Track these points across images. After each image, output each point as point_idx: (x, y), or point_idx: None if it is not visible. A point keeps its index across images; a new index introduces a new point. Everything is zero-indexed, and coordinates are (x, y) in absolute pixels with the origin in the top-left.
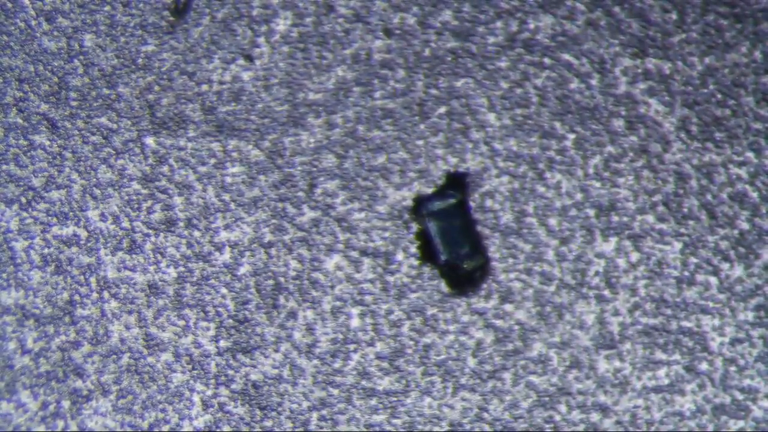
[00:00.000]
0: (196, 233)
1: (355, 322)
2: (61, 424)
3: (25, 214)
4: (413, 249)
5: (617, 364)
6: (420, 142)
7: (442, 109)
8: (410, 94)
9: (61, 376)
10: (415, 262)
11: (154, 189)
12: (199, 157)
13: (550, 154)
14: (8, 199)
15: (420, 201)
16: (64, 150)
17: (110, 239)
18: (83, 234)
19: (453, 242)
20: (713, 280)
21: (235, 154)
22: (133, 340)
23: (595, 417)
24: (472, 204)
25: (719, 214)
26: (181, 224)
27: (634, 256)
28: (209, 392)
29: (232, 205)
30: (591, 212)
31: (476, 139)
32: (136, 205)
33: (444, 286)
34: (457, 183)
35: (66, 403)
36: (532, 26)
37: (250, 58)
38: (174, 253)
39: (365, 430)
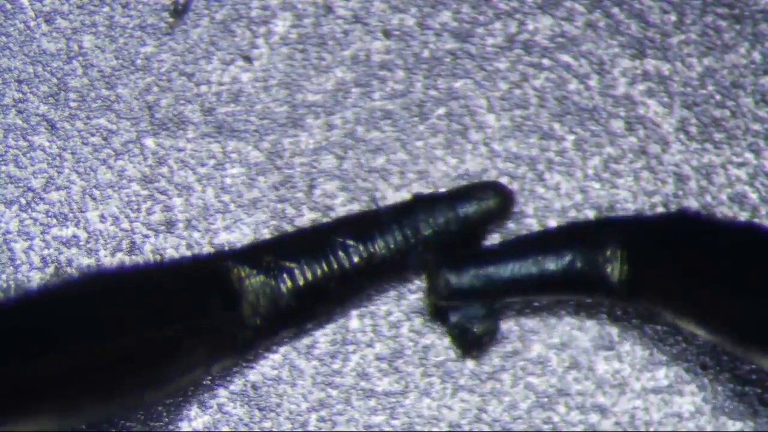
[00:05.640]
0: (196, 234)
1: (354, 324)
2: None
3: (24, 215)
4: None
5: (616, 365)
6: (419, 143)
7: (441, 110)
8: (409, 95)
9: None
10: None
11: (154, 190)
12: (199, 158)
13: (549, 155)
14: (8, 200)
15: None
16: (63, 151)
17: (110, 240)
18: (83, 235)
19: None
20: None
21: (234, 156)
22: None
23: (593, 418)
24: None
25: (719, 216)
26: (181, 225)
27: None
28: (208, 393)
29: (232, 207)
30: (590, 213)
31: (475, 140)
32: (135, 207)
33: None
34: None
35: None
36: (530, 27)
37: (249, 60)
38: (173, 254)
39: (364, 430)
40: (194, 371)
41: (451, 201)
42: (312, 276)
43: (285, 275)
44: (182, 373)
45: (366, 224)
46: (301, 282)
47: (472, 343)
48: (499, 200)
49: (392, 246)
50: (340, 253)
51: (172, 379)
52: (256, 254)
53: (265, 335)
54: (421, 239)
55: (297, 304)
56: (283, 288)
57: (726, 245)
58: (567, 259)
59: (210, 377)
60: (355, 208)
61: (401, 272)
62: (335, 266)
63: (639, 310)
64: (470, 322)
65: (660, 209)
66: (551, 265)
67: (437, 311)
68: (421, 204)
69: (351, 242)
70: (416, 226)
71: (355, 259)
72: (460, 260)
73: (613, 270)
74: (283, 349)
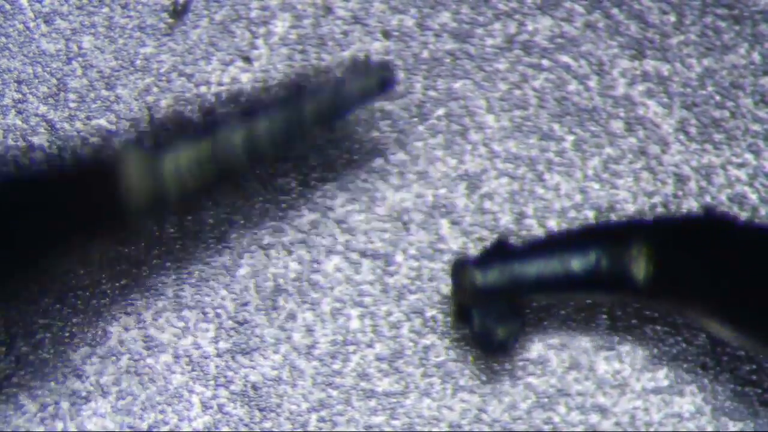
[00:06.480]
0: None
1: (354, 324)
2: (60, 425)
3: None
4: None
5: (616, 365)
6: (419, 144)
7: (441, 111)
8: (409, 95)
9: (60, 378)
10: (448, 322)
11: None
12: None
13: (549, 155)
14: None
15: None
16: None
17: None
18: None
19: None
20: None
21: None
22: (132, 342)
23: (594, 418)
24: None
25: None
26: None
27: None
28: (208, 393)
29: None
30: (590, 214)
31: (475, 140)
32: None
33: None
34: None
35: (65, 405)
36: (530, 28)
37: (248, 60)
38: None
39: (364, 431)
40: (76, 252)
41: (335, 81)
42: (195, 156)
43: (167, 155)
44: (63, 255)
45: (250, 104)
46: (183, 162)
47: (496, 345)
48: (381, 77)
49: (276, 125)
50: (224, 134)
51: (52, 263)
52: (137, 136)
53: (148, 216)
54: (306, 118)
55: (180, 185)
56: (165, 168)
57: (751, 244)
58: (592, 257)
59: (92, 260)
60: (356, 207)
61: (286, 151)
62: (218, 146)
63: (663, 308)
64: (494, 324)
65: (660, 209)
66: (577, 263)
67: (461, 312)
68: (305, 84)
69: (234, 122)
70: (300, 105)
71: (239, 139)
72: (486, 258)
73: (639, 269)
74: (283, 350)
